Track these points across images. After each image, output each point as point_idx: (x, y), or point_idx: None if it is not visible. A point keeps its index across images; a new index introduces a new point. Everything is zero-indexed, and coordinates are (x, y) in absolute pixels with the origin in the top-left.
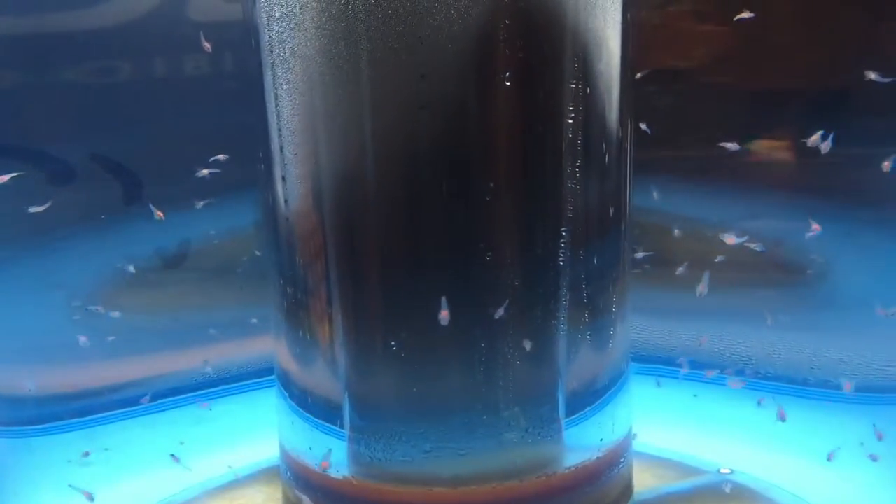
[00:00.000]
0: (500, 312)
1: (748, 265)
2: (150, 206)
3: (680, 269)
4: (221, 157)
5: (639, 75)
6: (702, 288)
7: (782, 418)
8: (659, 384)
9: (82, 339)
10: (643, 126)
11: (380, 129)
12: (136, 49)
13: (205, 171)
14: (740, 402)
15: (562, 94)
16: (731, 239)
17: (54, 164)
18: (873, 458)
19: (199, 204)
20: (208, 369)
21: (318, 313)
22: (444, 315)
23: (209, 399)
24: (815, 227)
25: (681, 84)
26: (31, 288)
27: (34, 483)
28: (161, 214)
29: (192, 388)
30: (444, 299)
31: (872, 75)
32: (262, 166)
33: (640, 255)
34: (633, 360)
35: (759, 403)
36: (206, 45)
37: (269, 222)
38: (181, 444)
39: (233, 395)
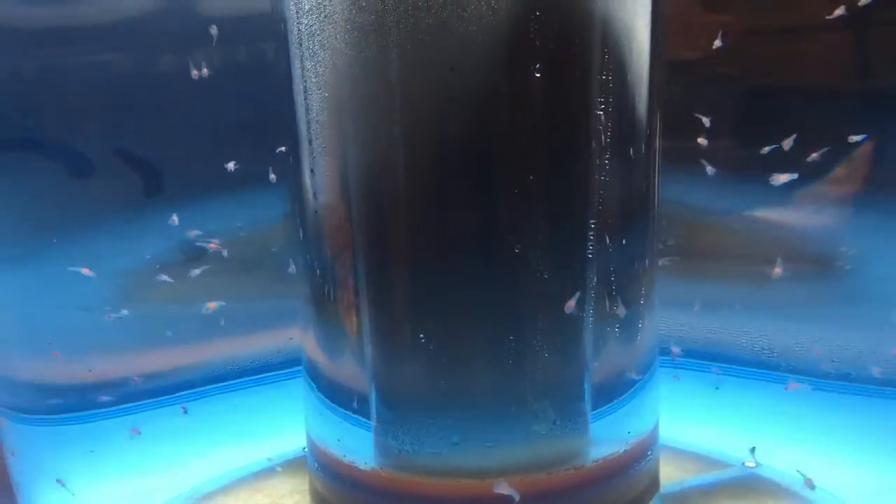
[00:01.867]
0: (527, 303)
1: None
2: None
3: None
4: (231, 165)
5: None
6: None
7: (811, 486)
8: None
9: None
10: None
11: (409, 121)
12: (154, 42)
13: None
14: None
15: (591, 86)
16: (782, 177)
17: (76, 158)
18: None
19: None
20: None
21: (346, 305)
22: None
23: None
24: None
25: None
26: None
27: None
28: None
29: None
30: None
31: None
32: (291, 159)
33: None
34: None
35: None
36: (213, 30)
37: (298, 214)
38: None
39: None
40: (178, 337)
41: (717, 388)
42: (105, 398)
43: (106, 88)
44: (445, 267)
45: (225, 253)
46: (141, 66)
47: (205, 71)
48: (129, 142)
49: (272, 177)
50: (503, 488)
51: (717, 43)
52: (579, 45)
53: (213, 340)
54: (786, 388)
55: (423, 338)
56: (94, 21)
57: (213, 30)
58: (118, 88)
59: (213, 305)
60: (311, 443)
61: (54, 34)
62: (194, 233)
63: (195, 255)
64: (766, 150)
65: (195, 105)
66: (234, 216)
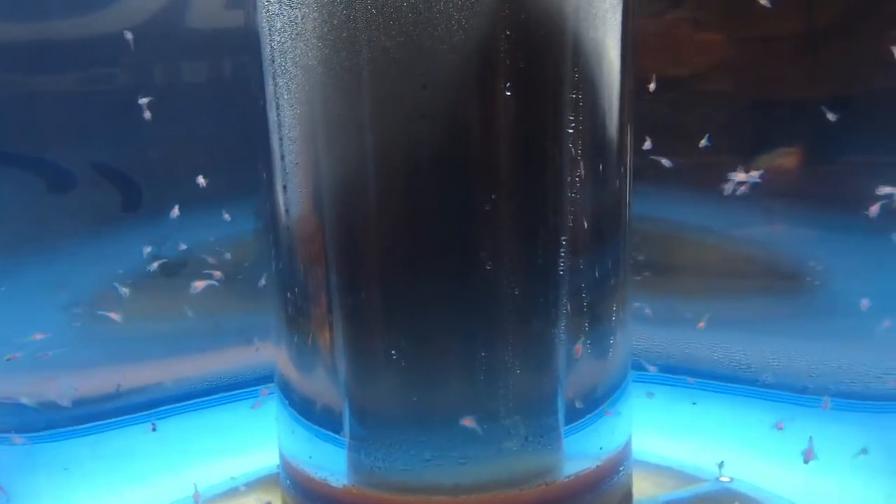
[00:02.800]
0: (499, 320)
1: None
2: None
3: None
4: (202, 180)
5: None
6: (701, 325)
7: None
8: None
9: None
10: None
11: (380, 139)
12: (132, 56)
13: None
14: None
15: (562, 104)
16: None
17: (54, 172)
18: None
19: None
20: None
21: (319, 320)
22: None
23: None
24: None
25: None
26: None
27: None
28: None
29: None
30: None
31: None
32: (264, 175)
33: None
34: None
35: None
36: (128, 35)
37: (271, 230)
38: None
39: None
40: (148, 352)
41: (695, 404)
42: (74, 415)
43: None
44: (417, 284)
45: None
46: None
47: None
48: (99, 157)
49: (200, 180)
50: None
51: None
52: (549, 64)
53: (185, 356)
54: (822, 408)
55: (395, 354)
56: (64, 37)
57: (129, 35)
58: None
59: (200, 284)
60: (283, 459)
61: (24, 50)
62: (149, 250)
63: (168, 270)
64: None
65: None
66: (206, 230)
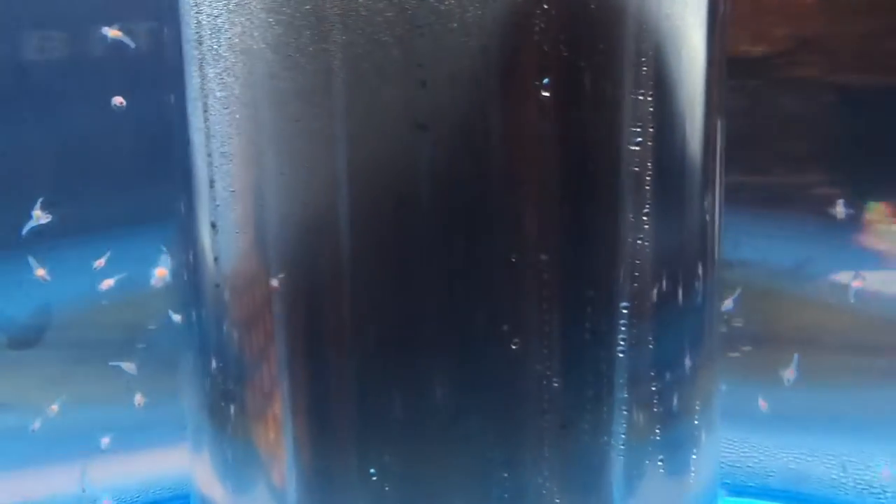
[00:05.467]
0: (529, 425)
1: None
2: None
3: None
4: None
5: None
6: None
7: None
8: None
9: None
10: None
11: (359, 158)
12: None
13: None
14: None
15: (623, 110)
16: None
17: None
18: None
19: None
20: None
21: (261, 419)
22: None
23: None
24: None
25: None
26: None
27: None
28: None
29: None
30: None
31: None
32: (182, 207)
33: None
34: None
35: None
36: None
37: (190, 285)
38: None
39: None
40: None
41: None
42: None
43: None
44: (409, 370)
45: None
46: None
47: None
48: None
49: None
50: None
51: None
52: (606, 52)
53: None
54: None
55: (374, 474)
56: None
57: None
58: None
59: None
60: None
61: None
62: None
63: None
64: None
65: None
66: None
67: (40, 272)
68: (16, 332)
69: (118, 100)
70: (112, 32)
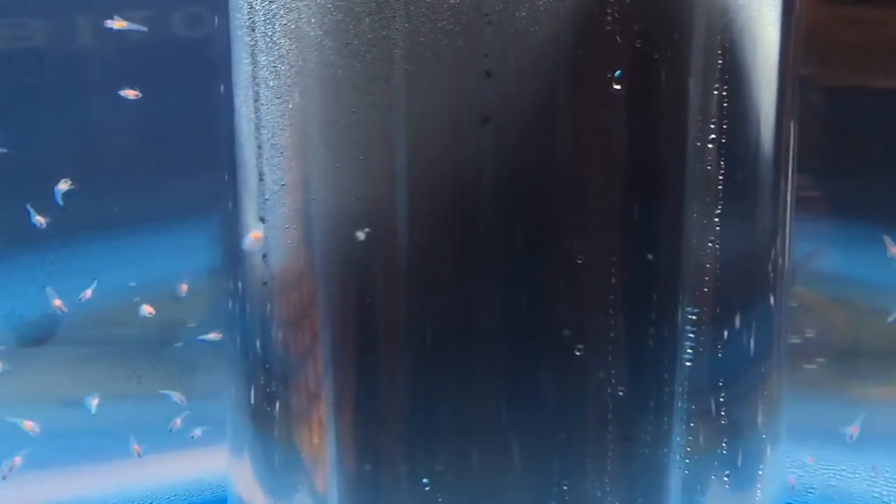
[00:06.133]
0: (589, 434)
1: None
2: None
3: None
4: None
5: None
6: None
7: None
8: None
9: None
10: None
11: (418, 152)
12: None
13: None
14: None
15: (696, 106)
16: None
17: None
18: None
19: None
20: None
21: (305, 423)
22: None
23: None
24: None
25: None
26: None
27: None
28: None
29: None
30: None
31: None
32: (230, 203)
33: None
34: None
35: None
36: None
37: (234, 281)
38: None
39: None
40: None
41: None
42: None
43: None
44: (466, 374)
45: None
46: None
47: None
48: None
49: (38, 219)
50: None
51: None
52: (680, 44)
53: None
54: None
55: (426, 484)
56: None
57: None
58: None
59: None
60: None
61: None
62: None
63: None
64: None
65: None
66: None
67: (57, 303)
68: (26, 330)
69: (130, 92)
70: (116, 24)
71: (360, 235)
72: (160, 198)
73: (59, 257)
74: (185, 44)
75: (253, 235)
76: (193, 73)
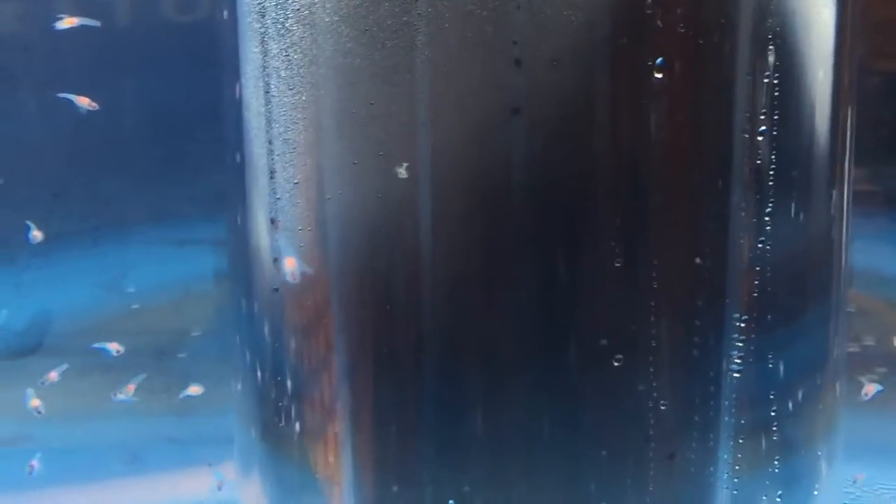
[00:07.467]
0: (629, 451)
1: None
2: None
3: None
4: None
5: None
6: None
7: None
8: None
9: None
10: None
11: (442, 146)
12: None
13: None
14: None
15: (745, 95)
16: None
17: None
18: None
19: None
20: None
21: (320, 436)
22: None
23: None
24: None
25: None
26: None
27: None
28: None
29: None
30: None
31: None
32: (238, 203)
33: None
34: None
35: None
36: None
37: (243, 286)
38: None
39: None
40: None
41: None
42: None
43: None
44: (496, 386)
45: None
46: None
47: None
48: None
49: (34, 234)
50: None
51: None
52: (726, 29)
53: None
54: None
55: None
56: None
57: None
58: None
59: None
60: None
61: None
62: None
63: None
64: None
65: None
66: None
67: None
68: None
69: (83, 100)
70: (66, 22)
71: (402, 172)
72: (160, 198)
73: (48, 262)
74: (185, 29)
75: (288, 263)
76: (198, 62)
